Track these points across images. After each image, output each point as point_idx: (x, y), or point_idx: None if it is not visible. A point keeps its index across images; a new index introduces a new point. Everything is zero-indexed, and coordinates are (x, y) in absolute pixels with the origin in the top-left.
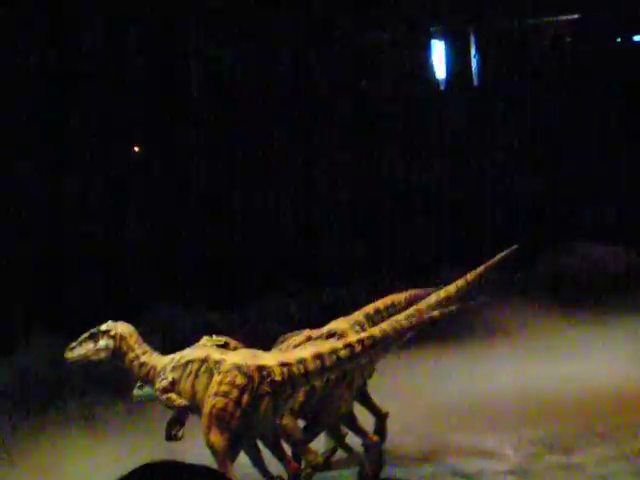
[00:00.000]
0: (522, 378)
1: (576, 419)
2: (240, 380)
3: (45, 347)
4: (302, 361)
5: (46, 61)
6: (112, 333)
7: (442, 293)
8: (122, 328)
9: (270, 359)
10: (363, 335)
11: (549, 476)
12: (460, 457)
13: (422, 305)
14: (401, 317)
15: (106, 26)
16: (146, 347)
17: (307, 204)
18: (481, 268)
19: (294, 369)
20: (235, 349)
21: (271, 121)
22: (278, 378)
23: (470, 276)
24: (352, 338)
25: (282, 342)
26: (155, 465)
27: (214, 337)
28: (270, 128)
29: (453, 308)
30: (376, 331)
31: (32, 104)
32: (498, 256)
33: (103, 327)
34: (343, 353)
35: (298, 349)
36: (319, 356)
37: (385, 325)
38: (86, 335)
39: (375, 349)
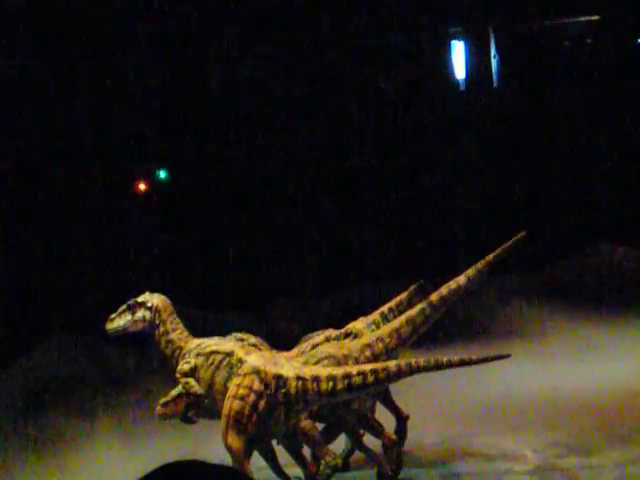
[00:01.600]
0: (542, 380)
1: (596, 421)
2: (257, 385)
3: (62, 347)
4: (316, 379)
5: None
6: (148, 304)
7: (453, 284)
8: (158, 300)
9: (289, 370)
10: (378, 366)
11: (568, 478)
12: (479, 459)
13: (435, 296)
14: (404, 318)
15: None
16: (178, 324)
17: (332, 206)
18: (490, 256)
19: (308, 385)
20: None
21: (291, 123)
22: (292, 391)
23: (480, 265)
24: (367, 367)
25: (305, 341)
26: (178, 464)
27: (244, 334)
28: (291, 129)
29: (474, 358)
30: (392, 365)
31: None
32: (506, 244)
33: (140, 299)
34: (355, 380)
35: (315, 366)
36: (332, 378)
37: (402, 362)
38: (124, 307)
39: (388, 382)
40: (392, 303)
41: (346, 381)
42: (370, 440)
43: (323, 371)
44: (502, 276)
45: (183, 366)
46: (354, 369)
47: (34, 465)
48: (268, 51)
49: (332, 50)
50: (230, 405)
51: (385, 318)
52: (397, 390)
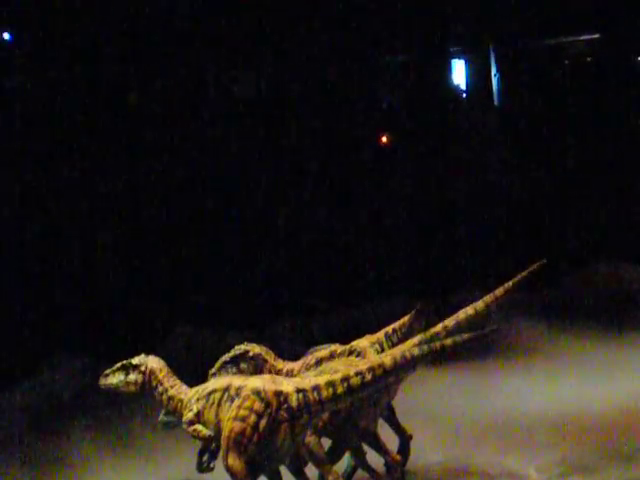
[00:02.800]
0: (546, 398)
1: (600, 440)
2: (258, 406)
3: (65, 367)
4: (317, 388)
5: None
6: (142, 368)
7: (470, 310)
8: (152, 363)
9: (287, 385)
10: (374, 363)
11: None
12: (483, 477)
13: (450, 321)
14: (415, 340)
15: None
16: (175, 380)
17: (338, 223)
18: (509, 284)
19: (309, 396)
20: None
21: (299, 139)
22: (294, 404)
23: (499, 292)
24: (363, 366)
25: (310, 355)
26: None
27: (247, 344)
28: (300, 146)
29: (465, 337)
30: (387, 360)
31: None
32: (525, 271)
33: (135, 361)
34: (354, 381)
35: (314, 375)
36: (331, 383)
37: (397, 353)
38: (119, 365)
39: (387, 377)
40: (397, 324)
41: (345, 384)
42: (371, 459)
43: (321, 379)
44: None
45: (187, 415)
46: (351, 371)
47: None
48: (269, 68)
49: (332, 68)
50: (230, 426)
51: (389, 339)
52: (400, 409)
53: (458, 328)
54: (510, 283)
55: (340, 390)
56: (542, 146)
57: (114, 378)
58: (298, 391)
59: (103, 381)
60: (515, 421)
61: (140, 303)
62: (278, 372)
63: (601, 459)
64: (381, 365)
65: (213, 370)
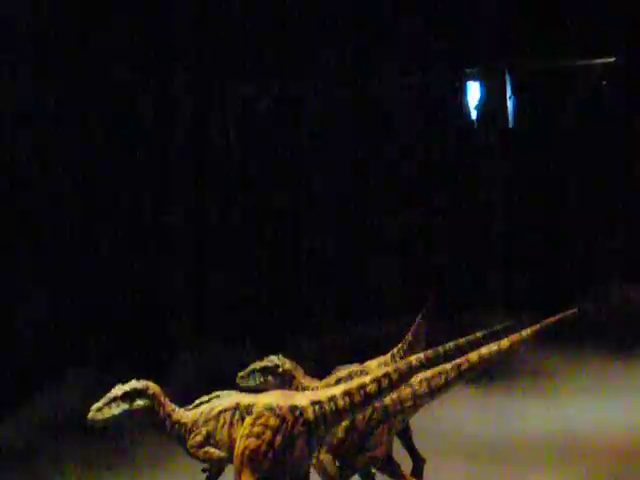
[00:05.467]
0: (555, 420)
1: (609, 462)
2: (273, 422)
3: (77, 383)
4: (332, 398)
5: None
6: (149, 393)
7: (494, 346)
8: (154, 386)
9: (301, 399)
10: (389, 369)
11: None
12: None
13: (473, 355)
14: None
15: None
16: (172, 405)
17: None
18: (537, 326)
19: (325, 407)
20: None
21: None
22: (311, 417)
23: (525, 333)
24: (378, 373)
25: (333, 374)
26: None
27: (279, 358)
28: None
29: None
30: (402, 365)
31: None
32: (556, 317)
33: (139, 386)
34: (370, 388)
35: (329, 387)
36: (348, 393)
37: (413, 360)
38: (115, 395)
39: (403, 382)
40: (400, 344)
41: (362, 391)
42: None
43: (337, 389)
44: (514, 315)
45: (195, 438)
46: (367, 379)
47: None
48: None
49: (343, 91)
50: (245, 444)
51: (393, 358)
52: (414, 426)
53: (480, 364)
54: (538, 326)
55: (357, 398)
56: (555, 168)
57: (115, 409)
58: (313, 403)
59: (99, 416)
60: (523, 443)
61: (155, 319)
62: (304, 390)
63: None
64: (397, 370)
65: (242, 374)
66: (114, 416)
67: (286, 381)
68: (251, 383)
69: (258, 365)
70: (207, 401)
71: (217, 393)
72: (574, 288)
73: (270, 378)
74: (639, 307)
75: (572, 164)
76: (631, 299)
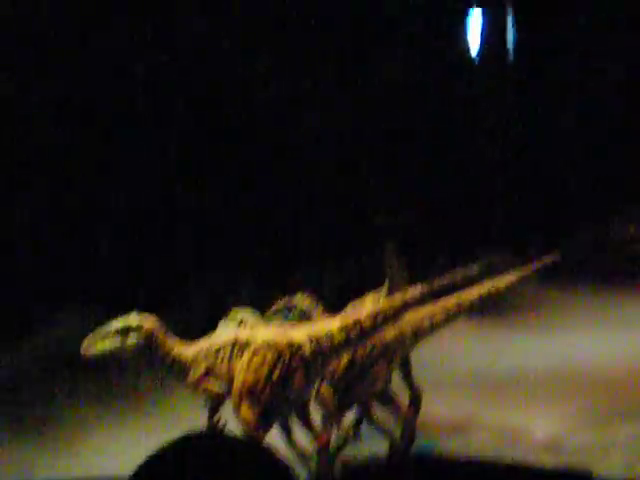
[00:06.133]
0: (554, 353)
1: (608, 395)
2: (270, 356)
3: (78, 319)
4: (329, 334)
5: None
6: (144, 330)
7: (492, 283)
8: (152, 323)
9: (299, 333)
10: (384, 304)
11: (580, 452)
12: (491, 432)
13: (473, 291)
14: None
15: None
16: (173, 339)
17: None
18: (536, 265)
19: (322, 342)
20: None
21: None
22: (307, 352)
23: (523, 271)
24: (374, 308)
25: (351, 306)
26: (198, 436)
27: (240, 311)
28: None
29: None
30: (397, 300)
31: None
32: (550, 258)
33: (133, 322)
34: (367, 323)
35: (325, 321)
36: (344, 328)
37: (408, 295)
38: (109, 329)
39: (398, 316)
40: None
41: (357, 327)
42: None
43: (334, 324)
44: (513, 250)
45: (195, 373)
46: (363, 314)
47: (43, 443)
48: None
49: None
50: (243, 378)
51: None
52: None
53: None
54: (525, 270)
55: (353, 334)
56: (555, 104)
57: (107, 344)
58: (311, 339)
59: (91, 350)
60: (523, 378)
61: (163, 251)
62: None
63: (610, 416)
64: (391, 305)
65: (269, 312)
66: (106, 350)
67: (305, 317)
68: (279, 319)
69: (281, 304)
70: (228, 320)
71: (235, 310)
72: (570, 222)
73: (290, 316)
74: (632, 246)
75: (573, 98)
76: (627, 233)
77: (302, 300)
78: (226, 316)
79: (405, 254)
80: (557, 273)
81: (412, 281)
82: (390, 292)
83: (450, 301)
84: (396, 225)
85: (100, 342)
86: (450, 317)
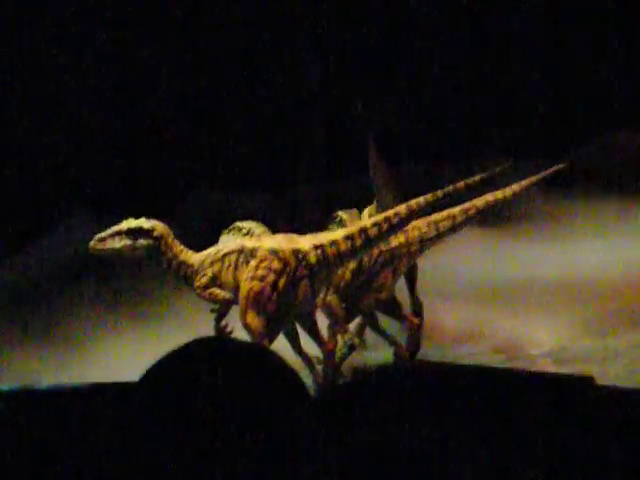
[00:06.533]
0: (560, 263)
1: (614, 306)
2: (276, 264)
3: (84, 226)
4: (335, 242)
5: None
6: (155, 233)
7: (499, 193)
8: (162, 228)
9: (304, 242)
10: (389, 212)
11: (582, 359)
12: (495, 340)
13: (479, 201)
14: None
15: None
16: (181, 245)
17: None
18: (533, 178)
19: (327, 250)
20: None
21: None
22: (313, 260)
23: (525, 182)
24: (379, 216)
25: (333, 220)
26: (208, 340)
27: (246, 222)
28: None
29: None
30: (402, 208)
31: None
32: (555, 167)
33: (145, 225)
34: (371, 231)
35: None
36: (350, 236)
37: (413, 203)
38: (120, 229)
39: (403, 225)
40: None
41: (363, 235)
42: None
43: (339, 233)
44: (520, 161)
45: (201, 280)
46: (368, 222)
47: (50, 349)
48: None
49: None
50: (249, 286)
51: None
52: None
53: (486, 208)
54: (534, 178)
55: (359, 242)
56: None
57: (117, 242)
58: (316, 247)
59: (100, 246)
60: (529, 287)
61: (164, 164)
62: None
63: (614, 324)
64: (397, 214)
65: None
66: (115, 249)
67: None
68: (113, 245)
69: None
70: (231, 230)
71: (237, 224)
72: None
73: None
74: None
75: None
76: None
77: (342, 215)
78: (229, 228)
79: (388, 150)
80: (564, 185)
81: (401, 183)
82: (380, 197)
83: (456, 209)
84: (374, 115)
85: (110, 240)
86: (457, 225)
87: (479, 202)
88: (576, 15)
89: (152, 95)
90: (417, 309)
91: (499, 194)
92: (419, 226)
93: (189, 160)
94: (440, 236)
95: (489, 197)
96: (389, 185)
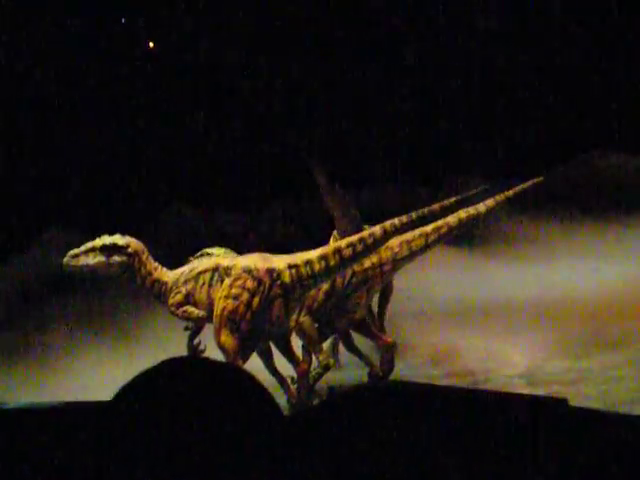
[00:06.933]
0: (534, 284)
1: (585, 325)
2: (250, 283)
3: (57, 243)
4: (309, 262)
5: None
6: (129, 250)
7: (472, 210)
8: (136, 244)
9: (279, 262)
10: (364, 233)
11: (556, 380)
12: (469, 361)
13: (452, 218)
14: (403, 218)
15: None
16: (155, 263)
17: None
18: (510, 192)
19: (302, 270)
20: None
21: None
22: (287, 280)
23: (499, 197)
24: (354, 237)
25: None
26: (181, 360)
27: (213, 249)
28: None
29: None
30: (377, 229)
31: None
32: (528, 183)
33: (120, 242)
34: (346, 252)
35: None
36: (324, 257)
37: (387, 224)
38: (94, 246)
39: (377, 246)
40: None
41: (337, 256)
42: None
43: (313, 253)
44: (495, 182)
45: (175, 297)
46: (343, 243)
47: (27, 365)
48: None
49: None
50: (223, 305)
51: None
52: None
53: (460, 226)
54: (510, 192)
55: (333, 262)
56: None
57: (91, 259)
58: (290, 267)
59: (74, 262)
60: (502, 306)
61: (136, 182)
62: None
63: (586, 345)
64: (371, 235)
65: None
66: (88, 265)
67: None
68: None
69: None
70: (199, 256)
71: (206, 250)
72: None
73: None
74: (615, 177)
75: None
76: (608, 164)
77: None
78: (196, 255)
79: (334, 175)
80: (538, 206)
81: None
82: (337, 221)
83: (429, 227)
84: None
85: (84, 257)
86: (430, 243)
87: (452, 219)
88: (554, 33)
89: (125, 112)
90: (379, 329)
91: (472, 210)
92: (392, 246)
93: (164, 177)
94: (413, 255)
95: (462, 214)
96: (343, 210)
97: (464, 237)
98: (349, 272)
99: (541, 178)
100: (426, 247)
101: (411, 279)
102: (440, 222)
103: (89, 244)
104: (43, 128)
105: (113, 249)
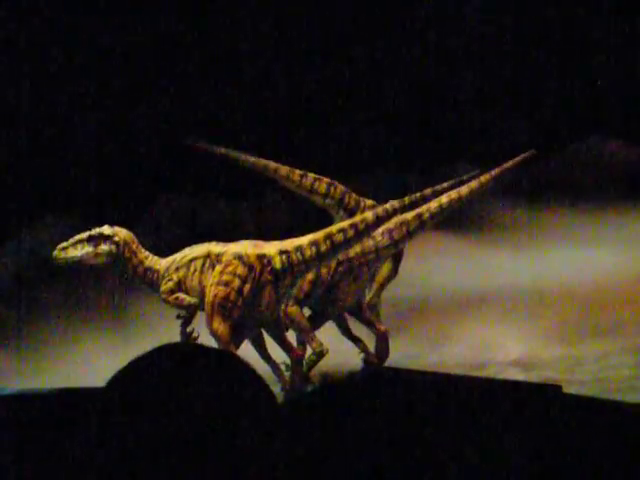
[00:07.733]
0: (527, 271)
1: (579, 313)
2: (241, 269)
3: (52, 229)
4: (300, 248)
5: None
6: (116, 239)
7: (454, 194)
8: (124, 234)
9: (270, 248)
10: (356, 219)
11: (549, 369)
12: (462, 348)
13: (434, 204)
14: (395, 203)
15: None
16: (146, 252)
17: None
18: (496, 171)
19: (293, 256)
20: None
21: None
22: (278, 266)
23: (484, 178)
24: (345, 223)
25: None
26: (175, 346)
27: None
28: None
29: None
30: (369, 214)
31: None
32: (514, 160)
33: (106, 231)
34: (337, 237)
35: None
36: (315, 242)
37: (379, 210)
38: (82, 237)
39: (370, 231)
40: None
41: (328, 241)
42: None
43: (304, 239)
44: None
45: (167, 285)
46: (334, 228)
47: (20, 351)
48: None
49: None
50: (214, 292)
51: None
52: None
53: (441, 212)
54: (497, 170)
55: (324, 248)
56: None
57: (78, 250)
58: (281, 252)
59: (62, 255)
60: (496, 295)
61: (133, 168)
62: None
63: (579, 332)
64: (363, 220)
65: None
66: (76, 257)
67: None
68: (75, 254)
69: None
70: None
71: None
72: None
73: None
74: (612, 163)
75: None
76: (610, 153)
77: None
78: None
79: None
80: (533, 193)
81: None
82: None
83: (409, 214)
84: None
85: (72, 248)
86: (411, 231)
87: (433, 205)
88: (542, 28)
89: (119, 101)
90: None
91: (454, 194)
92: (373, 235)
93: (158, 165)
94: (397, 243)
95: (443, 199)
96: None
97: (461, 224)
98: (334, 262)
99: (532, 151)
100: (409, 235)
101: (407, 266)
102: (421, 208)
103: (77, 237)
104: (39, 115)
105: (100, 238)
